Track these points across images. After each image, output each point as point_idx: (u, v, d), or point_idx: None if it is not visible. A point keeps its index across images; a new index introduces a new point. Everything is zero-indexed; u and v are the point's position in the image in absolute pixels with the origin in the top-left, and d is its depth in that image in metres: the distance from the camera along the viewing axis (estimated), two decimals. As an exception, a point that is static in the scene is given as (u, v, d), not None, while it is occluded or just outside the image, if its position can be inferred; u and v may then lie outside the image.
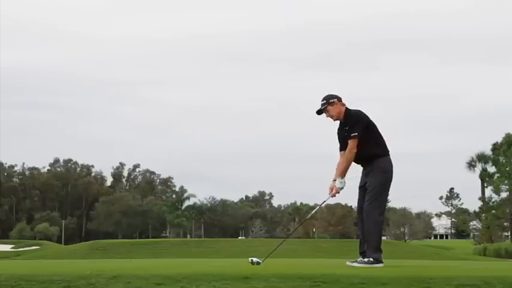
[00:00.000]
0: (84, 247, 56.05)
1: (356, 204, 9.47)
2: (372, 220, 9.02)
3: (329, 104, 9.12)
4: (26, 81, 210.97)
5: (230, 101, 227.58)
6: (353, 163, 9.15)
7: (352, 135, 8.95)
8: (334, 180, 9.12)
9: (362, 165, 9.21)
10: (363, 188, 9.19)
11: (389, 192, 9.28)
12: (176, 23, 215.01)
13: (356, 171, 9.26)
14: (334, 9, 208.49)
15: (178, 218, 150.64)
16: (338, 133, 9.32)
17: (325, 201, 9.40)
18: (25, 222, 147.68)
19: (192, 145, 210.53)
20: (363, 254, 9.05)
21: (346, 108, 9.18)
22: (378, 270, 7.76)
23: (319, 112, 9.22)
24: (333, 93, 9.26)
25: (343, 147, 9.21)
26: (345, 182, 9.11)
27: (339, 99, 9.18)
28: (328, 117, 9.22)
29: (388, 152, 9.23)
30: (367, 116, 9.16)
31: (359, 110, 9.19)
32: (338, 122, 9.30)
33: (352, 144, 8.95)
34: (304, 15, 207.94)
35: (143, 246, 56.38)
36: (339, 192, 9.14)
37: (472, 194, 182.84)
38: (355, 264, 8.85)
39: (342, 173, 9.08)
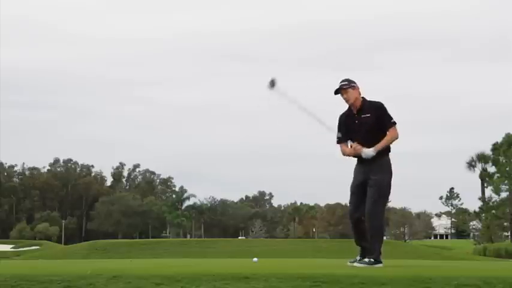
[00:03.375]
0: (84, 247, 55.98)
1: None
2: (379, 221, 8.95)
3: (351, 86, 9.06)
4: (25, 81, 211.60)
5: (230, 100, 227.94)
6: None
7: (392, 121, 8.93)
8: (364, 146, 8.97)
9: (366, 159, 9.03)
10: (361, 186, 9.04)
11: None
12: (176, 23, 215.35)
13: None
14: (335, 8, 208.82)
15: (178, 218, 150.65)
16: (342, 121, 9.14)
17: (328, 128, 9.09)
18: (25, 222, 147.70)
19: (192, 145, 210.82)
20: (363, 252, 9.05)
21: (363, 97, 9.14)
22: (378, 270, 7.76)
23: (337, 91, 9.07)
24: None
25: (347, 137, 9.08)
26: (372, 156, 8.91)
27: (358, 87, 9.15)
28: (344, 99, 9.06)
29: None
30: None
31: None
32: (338, 115, 9.22)
33: (395, 131, 8.91)
34: (306, 15, 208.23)
35: (143, 246, 56.31)
36: (359, 154, 8.91)
37: (472, 194, 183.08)
38: (355, 264, 8.85)
39: (379, 148, 8.86)
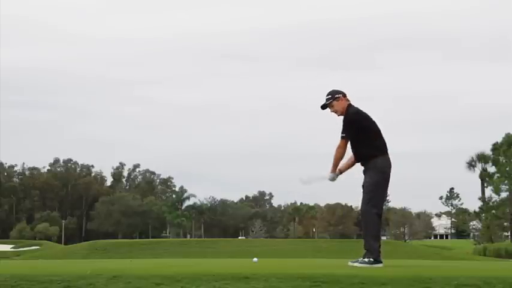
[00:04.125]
0: (84, 247, 55.98)
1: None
2: (368, 220, 9.05)
3: (334, 99, 9.14)
4: (25, 81, 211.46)
5: (230, 100, 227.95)
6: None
7: (341, 135, 9.06)
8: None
9: (361, 165, 9.23)
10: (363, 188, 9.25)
11: (387, 192, 9.27)
12: (176, 22, 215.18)
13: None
14: (335, 8, 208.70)
15: (178, 218, 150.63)
16: None
17: (318, 179, 9.42)
18: (25, 222, 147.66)
19: (192, 145, 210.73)
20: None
21: (349, 104, 9.17)
22: (378, 270, 7.76)
23: (323, 107, 9.22)
24: (338, 89, 9.27)
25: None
26: (334, 177, 9.23)
27: (344, 95, 9.20)
28: (333, 112, 9.21)
29: (386, 150, 9.21)
30: (364, 117, 9.12)
31: (357, 111, 9.14)
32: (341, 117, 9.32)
33: (339, 143, 9.08)
34: (306, 14, 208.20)
35: (143, 246, 56.31)
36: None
37: (472, 194, 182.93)
38: (356, 264, 8.86)
39: (333, 167, 9.20)
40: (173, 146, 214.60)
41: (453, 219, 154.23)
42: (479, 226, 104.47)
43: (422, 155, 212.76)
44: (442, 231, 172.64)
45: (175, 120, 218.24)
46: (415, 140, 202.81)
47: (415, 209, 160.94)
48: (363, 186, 9.21)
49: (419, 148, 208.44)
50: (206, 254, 43.08)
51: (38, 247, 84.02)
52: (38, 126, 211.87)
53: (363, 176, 9.24)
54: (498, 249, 65.88)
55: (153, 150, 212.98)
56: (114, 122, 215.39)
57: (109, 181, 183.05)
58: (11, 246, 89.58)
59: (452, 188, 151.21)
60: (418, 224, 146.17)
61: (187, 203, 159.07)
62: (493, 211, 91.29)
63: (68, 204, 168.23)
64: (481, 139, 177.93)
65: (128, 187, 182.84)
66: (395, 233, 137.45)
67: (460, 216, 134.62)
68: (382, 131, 9.23)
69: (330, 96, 9.17)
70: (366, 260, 8.84)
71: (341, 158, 9.17)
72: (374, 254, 8.89)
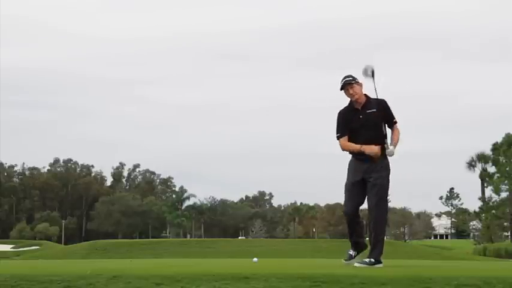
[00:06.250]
0: (84, 247, 55.98)
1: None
2: (384, 220, 8.97)
3: (356, 82, 8.99)
4: (25, 81, 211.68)
5: (230, 100, 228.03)
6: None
7: (394, 120, 9.07)
8: (382, 145, 8.88)
9: (376, 158, 8.88)
10: (359, 184, 8.92)
11: None
12: (176, 21, 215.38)
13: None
14: (335, 8, 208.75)
15: (178, 218, 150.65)
16: (344, 117, 8.97)
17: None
18: (25, 222, 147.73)
19: (192, 145, 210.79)
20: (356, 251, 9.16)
21: (365, 94, 9.07)
22: (378, 270, 7.75)
23: (344, 86, 8.96)
24: None
25: (347, 132, 8.92)
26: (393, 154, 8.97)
27: (362, 83, 9.10)
28: (350, 95, 8.95)
29: None
30: None
31: None
32: (337, 113, 9.10)
33: (398, 128, 9.08)
34: (306, 14, 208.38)
35: (143, 246, 56.30)
36: (378, 156, 8.82)
37: (472, 194, 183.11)
38: (356, 264, 8.85)
39: (396, 143, 8.97)
40: (173, 146, 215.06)
41: (453, 219, 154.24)
42: (479, 226, 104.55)
43: (422, 155, 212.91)
44: (442, 231, 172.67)
45: (175, 120, 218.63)
46: (415, 140, 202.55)
47: (415, 209, 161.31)
48: (357, 182, 8.89)
49: (419, 148, 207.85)
50: (206, 254, 43.06)
51: (38, 247, 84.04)
52: (38, 126, 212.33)
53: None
54: (498, 249, 65.89)
55: (153, 150, 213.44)
56: (114, 122, 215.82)
57: (109, 181, 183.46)
58: (11, 246, 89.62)
59: (452, 188, 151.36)
60: (418, 224, 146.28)
61: (187, 203, 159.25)
62: (493, 211, 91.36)
63: (68, 204, 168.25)
64: (481, 139, 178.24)
65: (128, 187, 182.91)
66: (395, 233, 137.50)
67: (460, 216, 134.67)
68: None
69: (351, 78, 8.98)
70: (367, 260, 8.82)
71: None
72: (375, 254, 8.86)
